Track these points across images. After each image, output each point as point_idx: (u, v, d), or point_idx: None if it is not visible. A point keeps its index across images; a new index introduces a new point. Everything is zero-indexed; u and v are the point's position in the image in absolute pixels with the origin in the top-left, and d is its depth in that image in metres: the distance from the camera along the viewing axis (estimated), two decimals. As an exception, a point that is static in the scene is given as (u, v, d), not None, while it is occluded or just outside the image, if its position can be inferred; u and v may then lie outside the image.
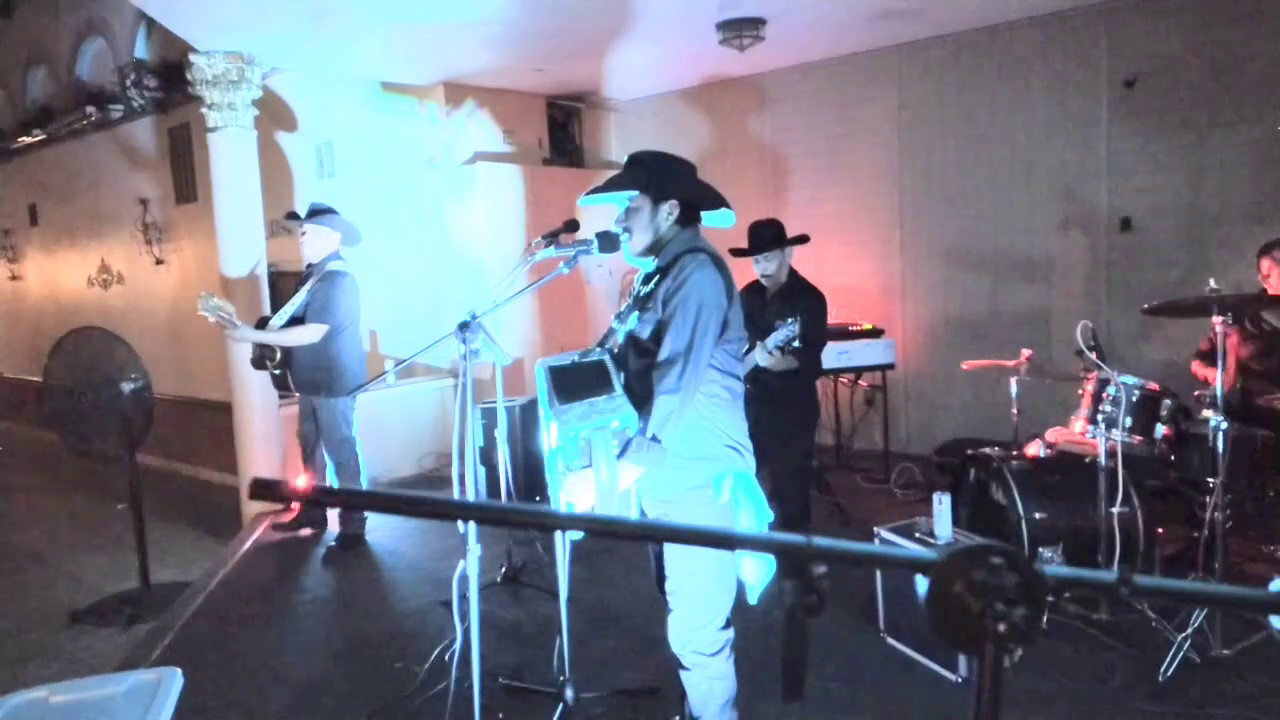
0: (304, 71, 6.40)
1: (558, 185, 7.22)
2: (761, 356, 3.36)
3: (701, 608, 2.30)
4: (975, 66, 6.02)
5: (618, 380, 2.20)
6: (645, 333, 2.28)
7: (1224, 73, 5.12)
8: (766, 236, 3.86)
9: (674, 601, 2.32)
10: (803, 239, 3.98)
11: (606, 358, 2.24)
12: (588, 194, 2.44)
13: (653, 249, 2.36)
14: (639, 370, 2.27)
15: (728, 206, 2.44)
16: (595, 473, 2.07)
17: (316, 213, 4.84)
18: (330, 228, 4.79)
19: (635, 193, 2.34)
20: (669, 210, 2.35)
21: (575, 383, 2.17)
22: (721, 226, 2.48)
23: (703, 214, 2.42)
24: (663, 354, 2.21)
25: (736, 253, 3.70)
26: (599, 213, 2.53)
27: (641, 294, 2.36)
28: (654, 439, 2.16)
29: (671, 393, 2.17)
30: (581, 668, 3.10)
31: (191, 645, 3.80)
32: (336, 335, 4.69)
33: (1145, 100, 5.38)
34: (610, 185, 2.39)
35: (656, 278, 2.32)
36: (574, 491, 2.12)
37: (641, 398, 2.20)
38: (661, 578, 2.47)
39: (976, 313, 6.17)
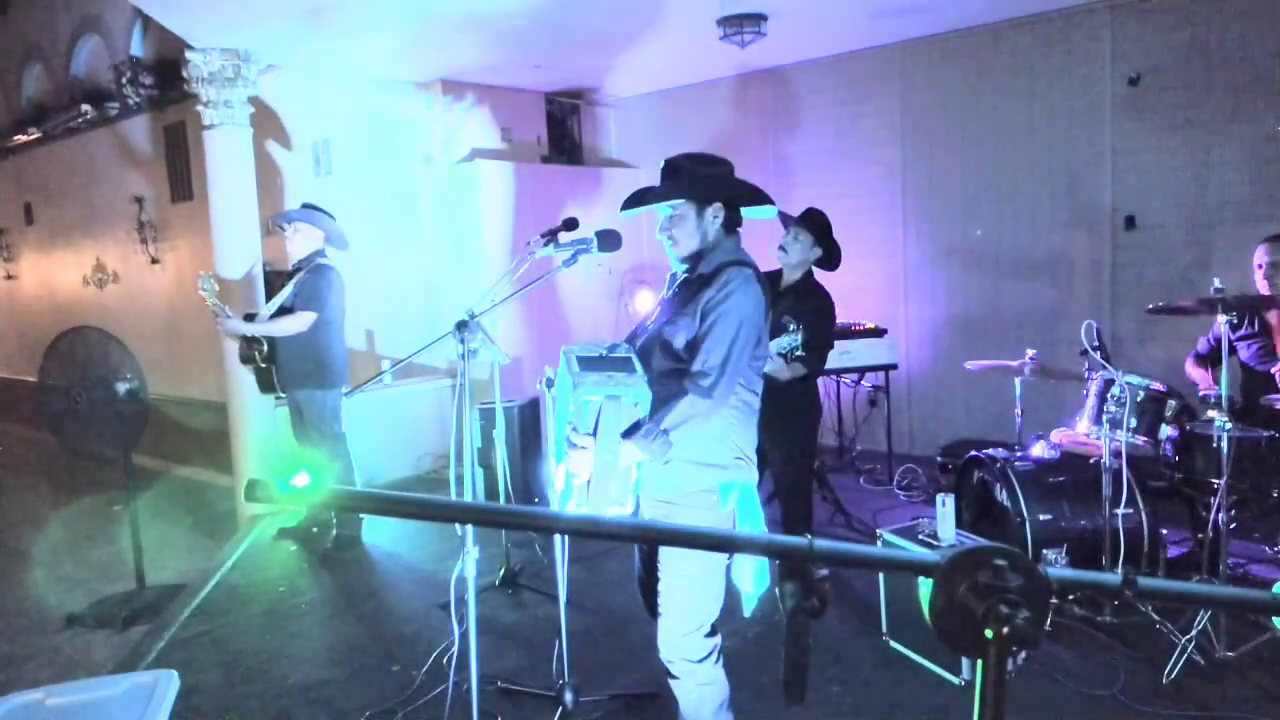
0: (301, 69, 6.37)
1: (556, 183, 7.20)
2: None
3: (689, 614, 2.29)
4: (979, 64, 6.00)
5: (641, 370, 2.18)
6: (678, 339, 2.26)
7: (1228, 70, 5.10)
8: (814, 218, 3.85)
9: (664, 606, 2.31)
10: (836, 257, 3.93)
11: (633, 355, 2.22)
12: (626, 204, 2.41)
13: (698, 254, 2.35)
14: (662, 371, 2.25)
15: (769, 201, 2.42)
16: (598, 443, 2.05)
17: (304, 209, 4.83)
18: (313, 225, 4.78)
19: (679, 200, 2.33)
20: (714, 213, 2.34)
21: (598, 364, 2.16)
22: (763, 219, 2.47)
23: (743, 210, 2.40)
24: (697, 365, 2.21)
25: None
26: (605, 212, 2.49)
27: (680, 297, 2.34)
28: (664, 432, 2.14)
29: (702, 398, 2.17)
30: (580, 671, 3.08)
31: (188, 647, 3.78)
32: (325, 327, 4.67)
33: (1149, 98, 5.36)
34: (654, 195, 2.36)
35: (697, 284, 2.30)
36: (575, 460, 2.11)
37: (660, 399, 2.18)
38: (646, 584, 2.44)
39: (980, 312, 6.14)
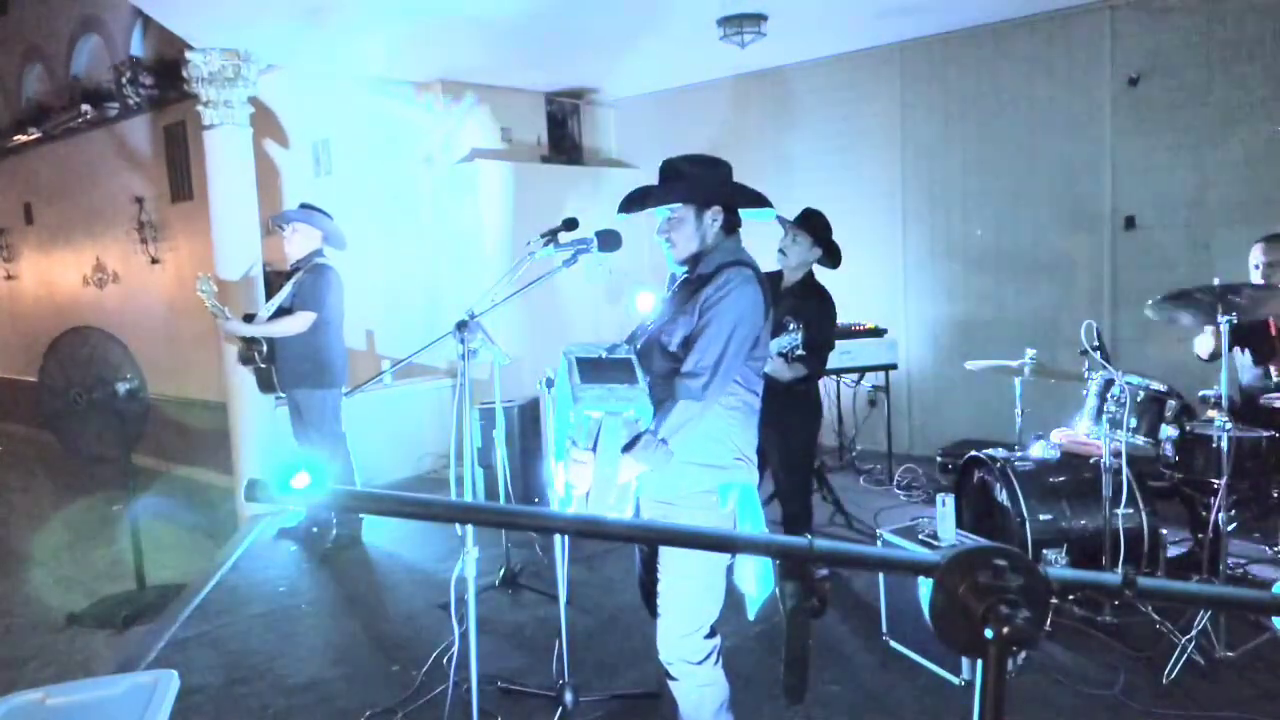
0: (301, 69, 6.37)
1: (556, 183, 7.19)
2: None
3: (689, 615, 2.29)
4: (979, 64, 6.00)
5: (642, 376, 2.17)
6: (676, 339, 2.25)
7: (1228, 70, 5.10)
8: (811, 219, 3.85)
9: (663, 607, 2.30)
10: (836, 256, 3.93)
11: (633, 357, 2.22)
12: (624, 205, 2.40)
13: (697, 256, 2.34)
14: (662, 373, 2.25)
15: (768, 204, 2.42)
16: (598, 458, 2.05)
17: (303, 209, 4.84)
18: (311, 225, 4.78)
19: (678, 203, 2.32)
20: (713, 216, 2.33)
21: (599, 370, 2.15)
22: (762, 220, 2.47)
23: (741, 212, 2.40)
24: (689, 364, 2.20)
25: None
26: (605, 212, 2.50)
27: (679, 298, 2.34)
28: (663, 441, 2.13)
29: (694, 401, 2.16)
30: (580, 671, 3.08)
31: (188, 647, 3.77)
32: (324, 326, 4.67)
33: (1149, 98, 5.36)
34: (652, 198, 2.35)
35: (696, 284, 2.30)
36: (575, 473, 2.10)
37: (659, 401, 2.17)
38: (646, 584, 2.44)
39: (980, 312, 6.14)
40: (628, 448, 2.10)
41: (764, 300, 2.30)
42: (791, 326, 3.16)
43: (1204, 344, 4.03)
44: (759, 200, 2.40)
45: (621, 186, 2.59)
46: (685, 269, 2.37)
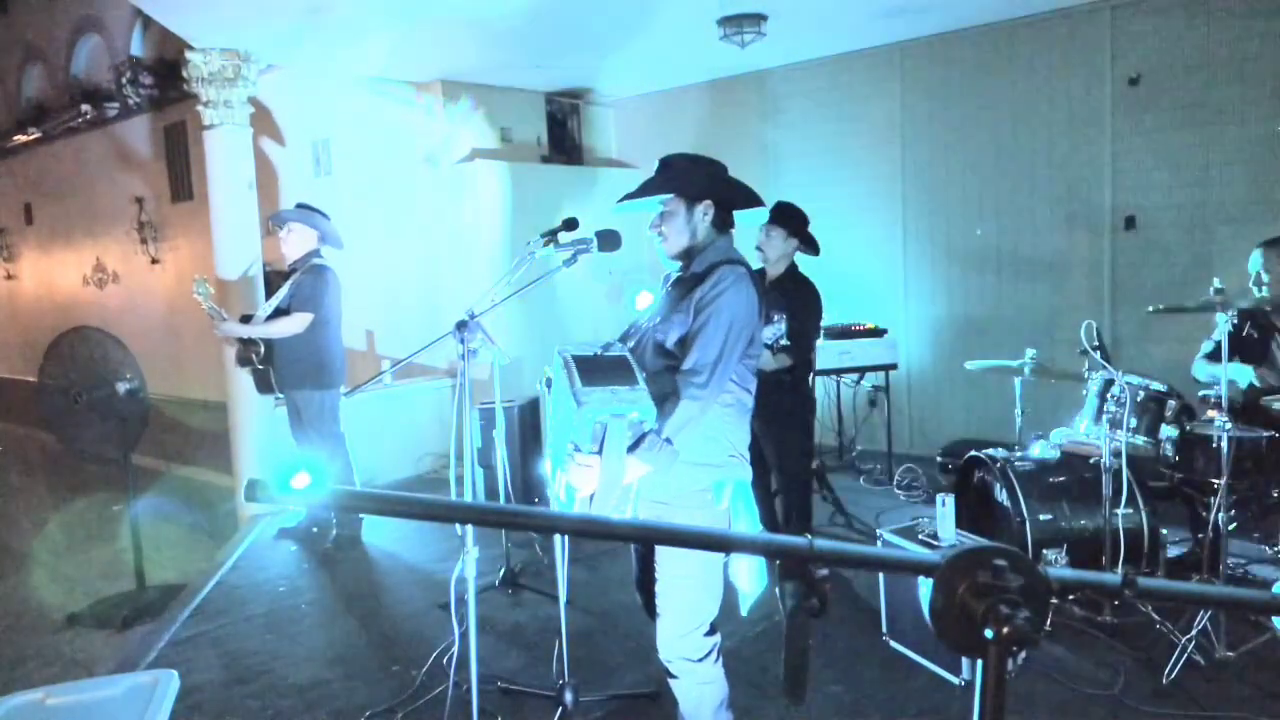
0: (301, 69, 6.37)
1: (556, 183, 7.19)
2: None
3: (688, 614, 2.29)
4: (978, 64, 6.00)
5: (640, 376, 2.17)
6: (671, 337, 2.26)
7: (1228, 70, 5.10)
8: (786, 211, 3.86)
9: (662, 606, 2.31)
10: (814, 246, 3.94)
11: (628, 355, 2.22)
12: (621, 201, 2.42)
13: (689, 252, 2.36)
14: (656, 371, 2.26)
15: (761, 203, 2.44)
16: (604, 461, 2.04)
17: (299, 209, 4.84)
18: (307, 225, 4.78)
19: (669, 196, 2.34)
20: (704, 211, 2.34)
21: (598, 370, 2.15)
22: (756, 223, 2.49)
23: (735, 213, 2.42)
24: (689, 362, 2.21)
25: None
26: (604, 212, 2.50)
27: (673, 296, 2.35)
28: (667, 441, 2.14)
29: (694, 400, 2.18)
30: (581, 671, 3.07)
31: (188, 647, 3.77)
32: (322, 327, 4.67)
33: (1149, 98, 5.36)
34: (644, 190, 2.37)
35: (690, 283, 2.31)
36: (578, 476, 2.10)
37: (656, 399, 2.17)
38: (643, 582, 2.44)
39: (980, 312, 6.14)
40: (632, 448, 2.10)
41: (757, 298, 2.31)
42: (776, 318, 3.18)
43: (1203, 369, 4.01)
44: (751, 197, 2.41)
45: (621, 186, 2.60)
46: (679, 266, 2.38)
